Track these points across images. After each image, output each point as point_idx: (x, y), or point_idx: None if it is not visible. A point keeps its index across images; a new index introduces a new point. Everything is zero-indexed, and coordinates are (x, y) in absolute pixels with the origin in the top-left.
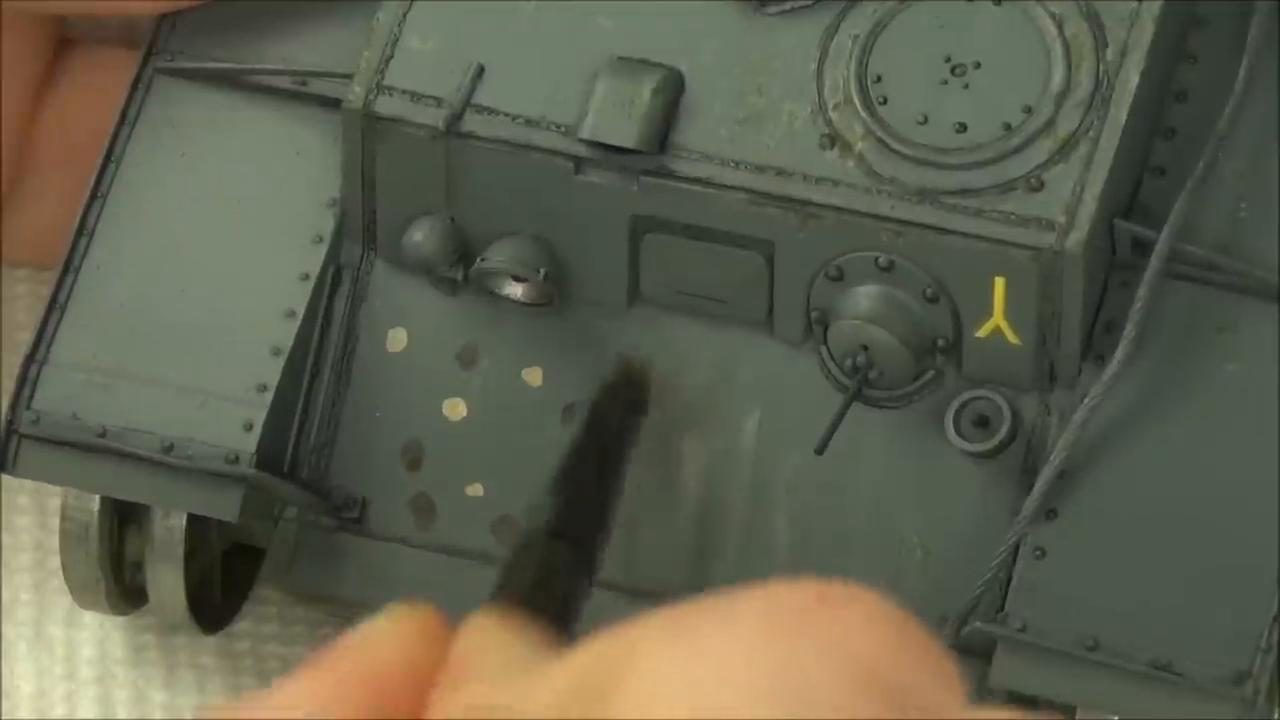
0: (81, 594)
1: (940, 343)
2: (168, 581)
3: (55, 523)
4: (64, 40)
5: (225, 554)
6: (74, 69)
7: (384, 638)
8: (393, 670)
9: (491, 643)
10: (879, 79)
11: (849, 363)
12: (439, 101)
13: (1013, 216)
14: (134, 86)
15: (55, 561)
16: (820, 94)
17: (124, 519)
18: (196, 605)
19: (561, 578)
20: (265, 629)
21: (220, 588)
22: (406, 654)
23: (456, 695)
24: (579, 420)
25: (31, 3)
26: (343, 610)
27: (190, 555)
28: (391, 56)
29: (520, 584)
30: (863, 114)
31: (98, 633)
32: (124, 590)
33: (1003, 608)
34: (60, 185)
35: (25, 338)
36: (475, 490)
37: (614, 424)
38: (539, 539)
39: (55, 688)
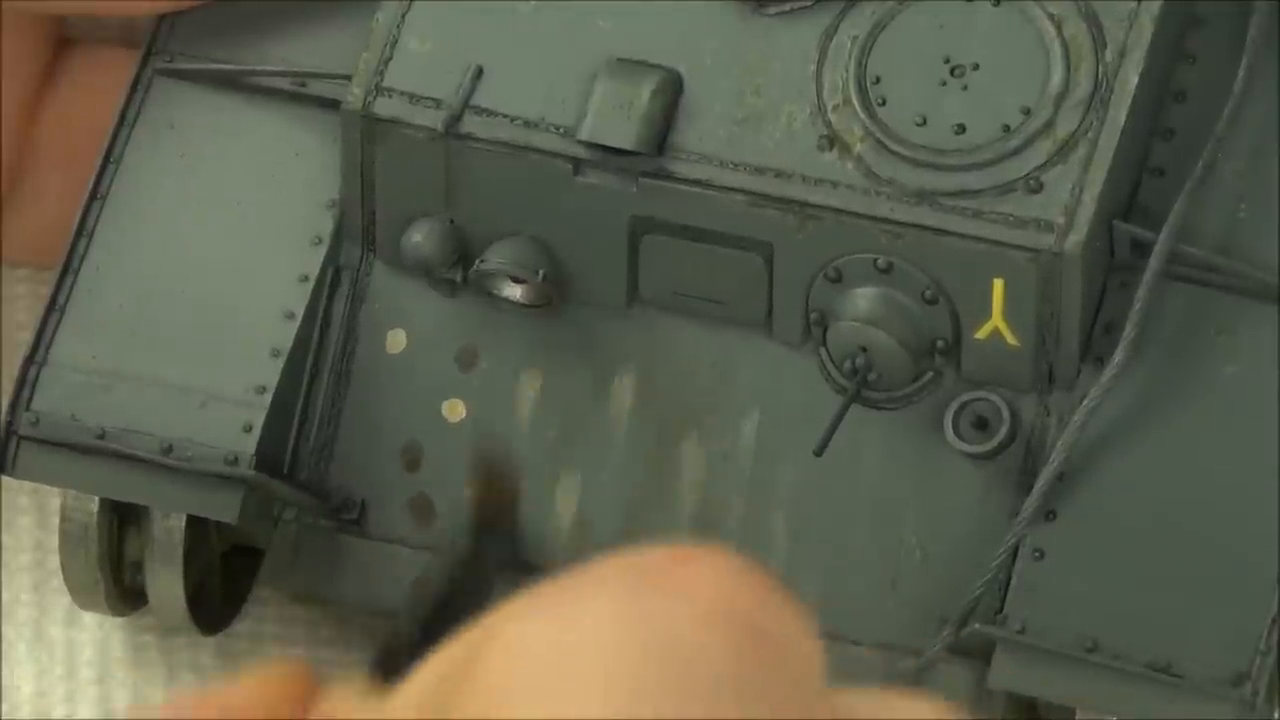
0: (81, 595)
1: (939, 344)
2: (167, 583)
3: (55, 523)
4: (63, 40)
5: (224, 555)
6: (74, 69)
7: (248, 693)
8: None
9: (355, 694)
10: (878, 80)
11: (848, 364)
12: (438, 103)
13: (1011, 218)
14: (133, 88)
15: (55, 561)
16: (819, 95)
17: (123, 520)
18: (196, 606)
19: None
20: (265, 629)
21: (220, 589)
22: (269, 706)
23: None
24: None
25: (31, 2)
26: (342, 610)
27: (189, 556)
28: (390, 58)
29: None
30: (861, 115)
31: (98, 633)
32: (123, 591)
33: (1002, 609)
34: (60, 185)
35: (25, 338)
36: (474, 491)
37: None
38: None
39: (55, 688)
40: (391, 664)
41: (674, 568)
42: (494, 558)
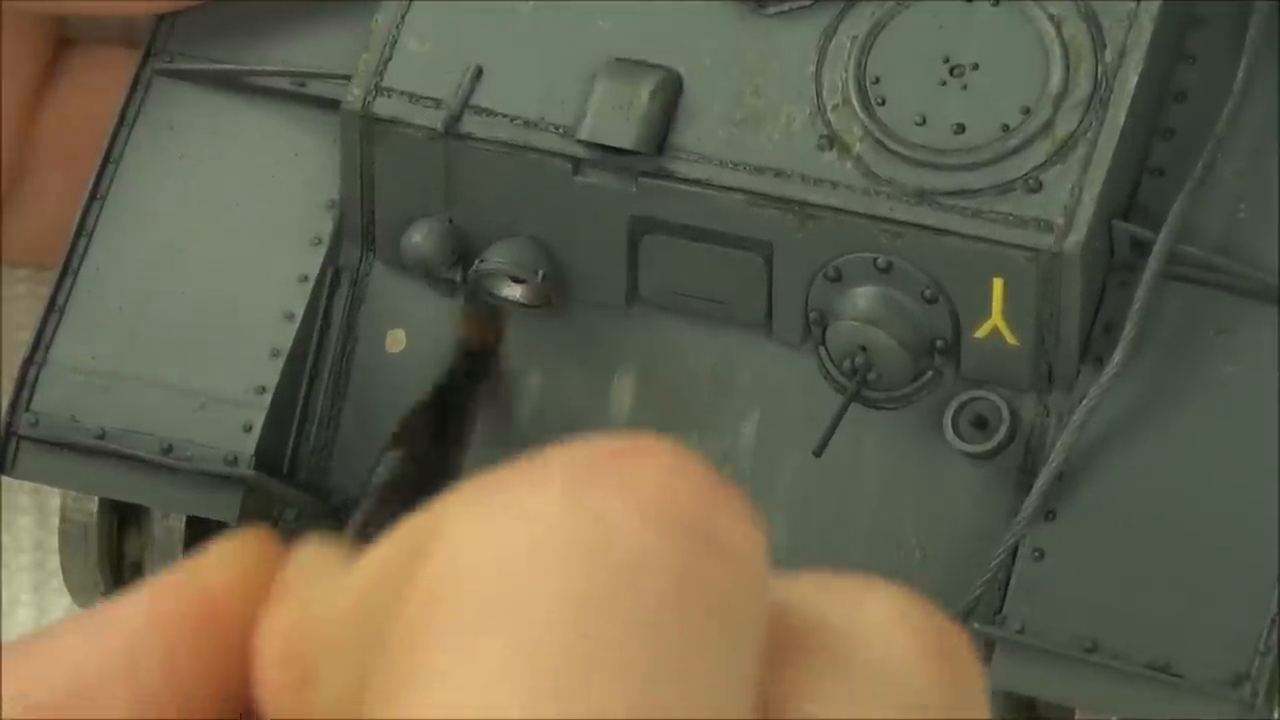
0: (81, 595)
1: (939, 343)
2: None
3: (55, 523)
4: (63, 40)
5: None
6: (74, 68)
7: (218, 560)
8: (223, 590)
9: (318, 557)
10: (877, 80)
11: (847, 364)
12: (437, 103)
13: (1011, 218)
14: (132, 88)
15: (55, 561)
16: (819, 95)
17: (123, 520)
18: None
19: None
20: None
21: None
22: (239, 575)
23: (276, 609)
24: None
25: (31, 2)
26: None
27: (190, 556)
28: (390, 58)
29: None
30: (861, 115)
31: None
32: (123, 591)
33: (1001, 608)
34: (60, 185)
35: (25, 338)
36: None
37: (455, 384)
38: (379, 490)
39: None
40: (389, 490)
41: (618, 459)
42: (476, 376)
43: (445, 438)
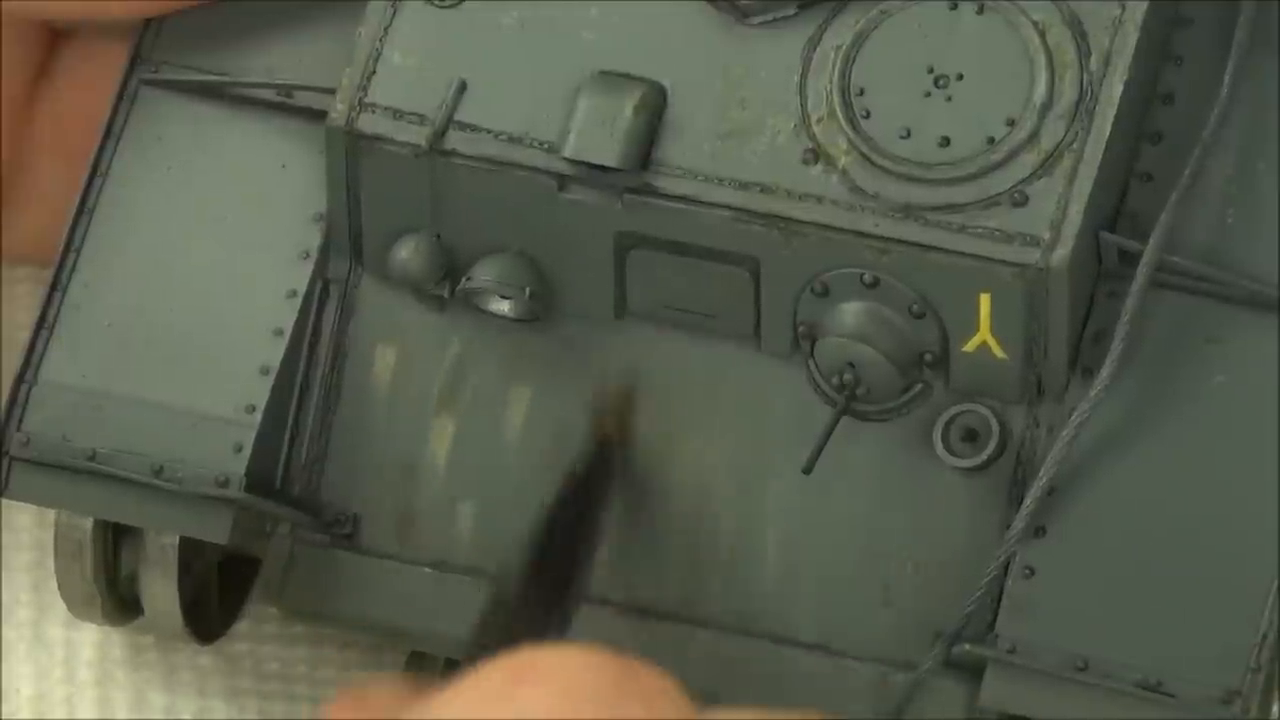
0: (77, 607)
1: (927, 357)
2: (162, 597)
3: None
4: (58, 35)
5: (221, 564)
6: (69, 64)
7: None
8: None
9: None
10: (862, 92)
11: (836, 379)
12: (422, 119)
13: (997, 232)
14: (119, 99)
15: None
16: (803, 107)
17: (118, 532)
18: (193, 616)
19: (530, 636)
20: (264, 630)
21: (216, 598)
22: None
23: None
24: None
25: (22, 4)
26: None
27: (186, 568)
28: (374, 72)
29: (491, 643)
30: (846, 128)
31: (97, 634)
32: (119, 602)
33: (993, 625)
34: (58, 180)
35: (25, 337)
36: (465, 504)
37: (589, 488)
38: (509, 600)
39: (55, 690)
40: (502, 607)
41: (515, 688)
42: (609, 472)
43: (578, 546)
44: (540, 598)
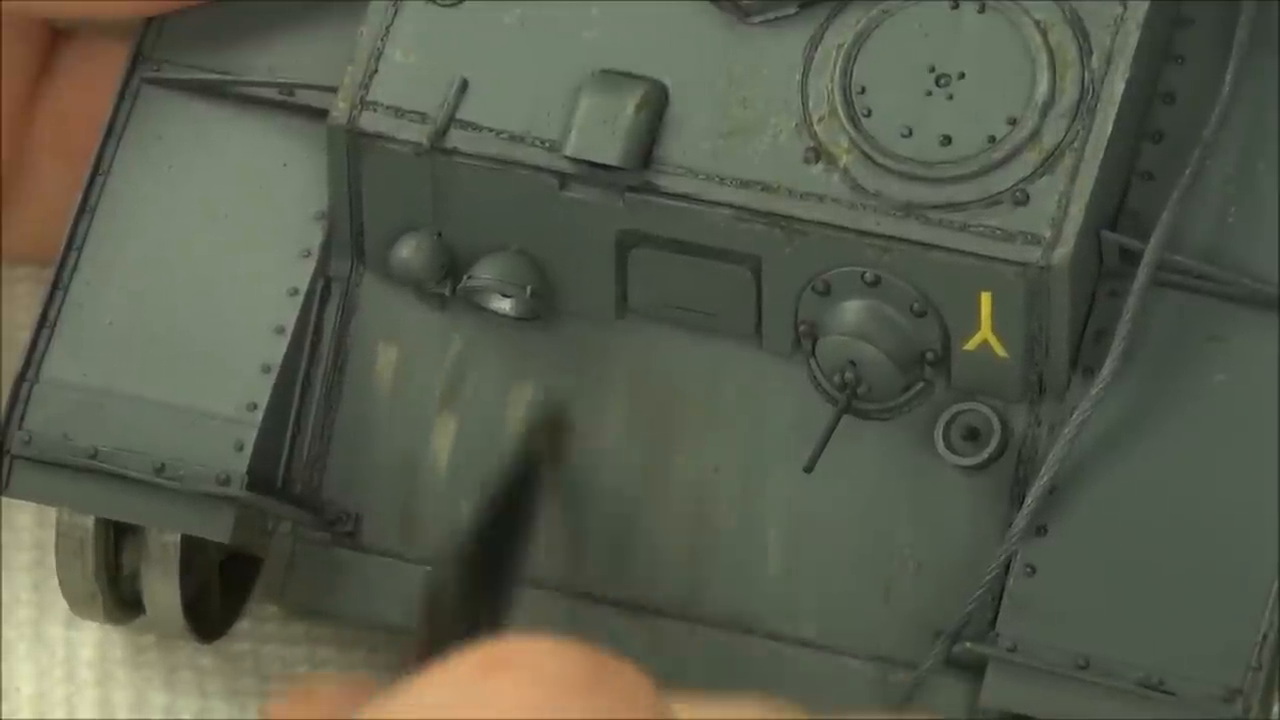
0: (79, 606)
1: (929, 355)
2: (164, 595)
3: (55, 521)
4: (60, 33)
5: (222, 562)
6: (71, 62)
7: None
8: None
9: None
10: (863, 90)
11: (837, 378)
12: (423, 117)
13: (998, 231)
14: (120, 98)
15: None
16: (805, 106)
17: (120, 530)
18: (195, 614)
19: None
20: (265, 629)
21: (218, 596)
22: None
23: None
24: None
25: (22, 3)
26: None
27: (187, 566)
28: (375, 70)
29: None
30: (847, 127)
31: (98, 634)
32: (121, 600)
33: (994, 624)
34: (59, 179)
35: (25, 337)
36: (467, 502)
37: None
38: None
39: (55, 689)
40: (438, 605)
41: (483, 679)
42: (537, 489)
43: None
44: (475, 586)
